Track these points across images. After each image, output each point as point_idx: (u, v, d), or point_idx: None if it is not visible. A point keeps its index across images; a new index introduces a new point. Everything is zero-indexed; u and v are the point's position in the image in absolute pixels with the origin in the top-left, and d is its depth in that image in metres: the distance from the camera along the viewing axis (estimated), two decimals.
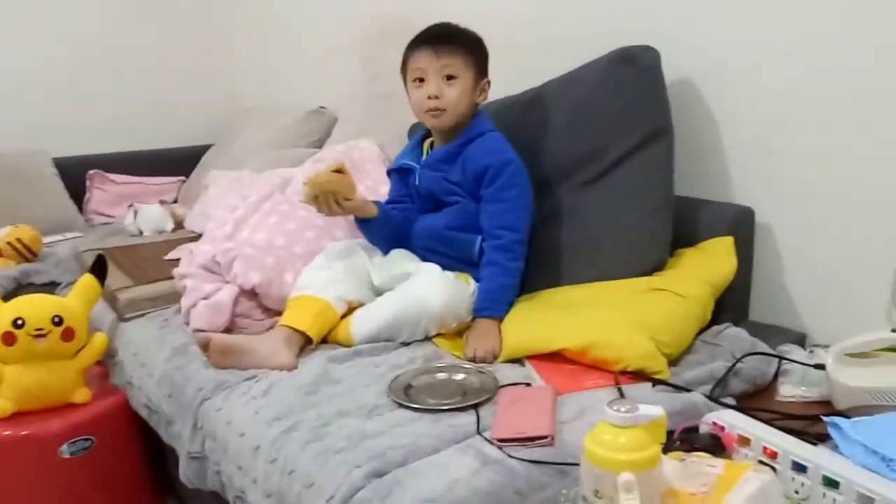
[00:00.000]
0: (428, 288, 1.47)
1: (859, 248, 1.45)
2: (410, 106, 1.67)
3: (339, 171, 1.58)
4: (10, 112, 2.92)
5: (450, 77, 1.59)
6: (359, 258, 1.64)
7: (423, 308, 1.46)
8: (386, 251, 1.68)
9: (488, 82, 1.66)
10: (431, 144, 1.72)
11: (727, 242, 1.52)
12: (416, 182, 1.69)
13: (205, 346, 1.48)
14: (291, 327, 1.50)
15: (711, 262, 1.51)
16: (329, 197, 1.56)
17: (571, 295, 1.51)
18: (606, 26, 1.79)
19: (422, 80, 1.61)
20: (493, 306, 1.51)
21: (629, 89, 1.59)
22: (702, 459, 0.90)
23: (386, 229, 1.67)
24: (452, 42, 1.60)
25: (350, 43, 2.76)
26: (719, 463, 0.88)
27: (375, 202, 1.67)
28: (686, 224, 1.59)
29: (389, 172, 1.83)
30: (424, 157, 1.70)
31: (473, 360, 1.41)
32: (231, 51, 3.40)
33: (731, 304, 1.55)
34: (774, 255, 1.58)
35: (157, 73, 3.27)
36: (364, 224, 1.67)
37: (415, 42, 1.64)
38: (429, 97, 1.59)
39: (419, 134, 1.76)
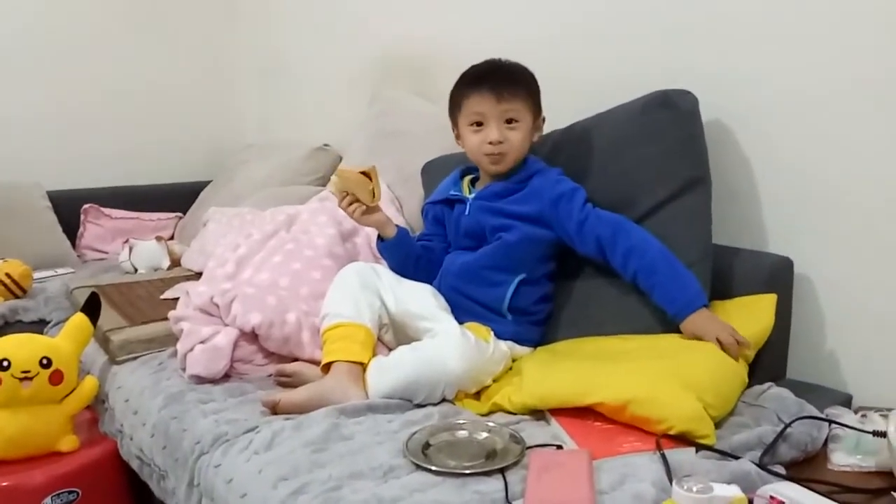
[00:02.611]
0: (448, 352, 1.38)
1: None
2: (464, 147, 1.63)
3: (366, 173, 1.57)
4: (4, 143, 2.85)
5: (510, 120, 1.55)
6: (374, 281, 1.56)
7: (441, 374, 1.37)
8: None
9: (543, 119, 1.62)
10: (472, 181, 1.68)
11: (769, 300, 1.42)
12: (466, 213, 1.62)
13: (273, 410, 1.38)
14: (348, 361, 1.43)
15: (748, 317, 1.41)
16: (352, 197, 1.58)
17: (603, 345, 1.42)
18: (635, 65, 1.73)
19: (480, 123, 1.56)
20: (697, 295, 1.39)
21: (666, 135, 1.52)
22: None
23: (401, 253, 1.66)
24: (514, 85, 1.55)
25: (353, 80, 2.71)
26: None
27: (398, 226, 1.65)
28: (720, 273, 1.49)
29: (423, 209, 1.78)
30: (469, 193, 1.65)
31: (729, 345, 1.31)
32: (232, 85, 3.35)
33: (767, 361, 1.45)
34: (815, 308, 1.49)
35: (156, 107, 3.21)
36: (381, 244, 1.67)
37: (471, 82, 1.58)
38: (490, 143, 1.54)
39: (457, 171, 1.71)
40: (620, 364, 1.29)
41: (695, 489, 0.72)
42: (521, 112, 1.55)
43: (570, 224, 1.52)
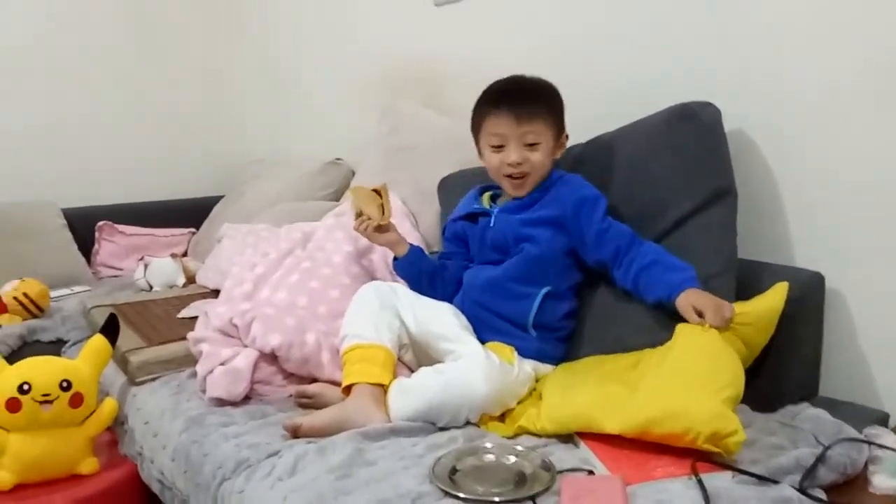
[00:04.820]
0: (473, 375, 1.36)
1: None
2: (485, 164, 1.62)
3: (377, 191, 1.66)
4: (19, 163, 2.86)
5: (532, 144, 1.53)
6: (393, 301, 1.55)
7: (465, 398, 1.35)
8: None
9: (566, 136, 1.61)
10: (492, 198, 1.67)
11: (780, 286, 1.38)
12: (492, 225, 1.61)
13: (295, 433, 1.36)
14: (369, 383, 1.41)
15: (759, 301, 1.39)
16: (365, 216, 1.64)
17: (620, 363, 1.39)
18: (656, 74, 1.71)
19: (500, 145, 1.55)
20: (693, 279, 1.37)
21: (689, 147, 1.50)
22: None
23: (415, 270, 1.66)
24: (533, 105, 1.53)
25: (361, 94, 2.70)
26: None
27: (411, 244, 1.68)
28: (748, 290, 1.45)
29: (445, 228, 1.77)
30: (493, 207, 1.65)
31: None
32: (241, 101, 3.35)
33: (799, 378, 1.43)
34: (848, 324, 1.46)
35: (167, 124, 3.21)
36: (395, 262, 1.70)
37: (491, 102, 1.57)
38: (510, 164, 1.54)
39: (476, 188, 1.71)
40: (633, 388, 1.25)
41: None
42: (542, 134, 1.53)
43: (590, 230, 1.50)
